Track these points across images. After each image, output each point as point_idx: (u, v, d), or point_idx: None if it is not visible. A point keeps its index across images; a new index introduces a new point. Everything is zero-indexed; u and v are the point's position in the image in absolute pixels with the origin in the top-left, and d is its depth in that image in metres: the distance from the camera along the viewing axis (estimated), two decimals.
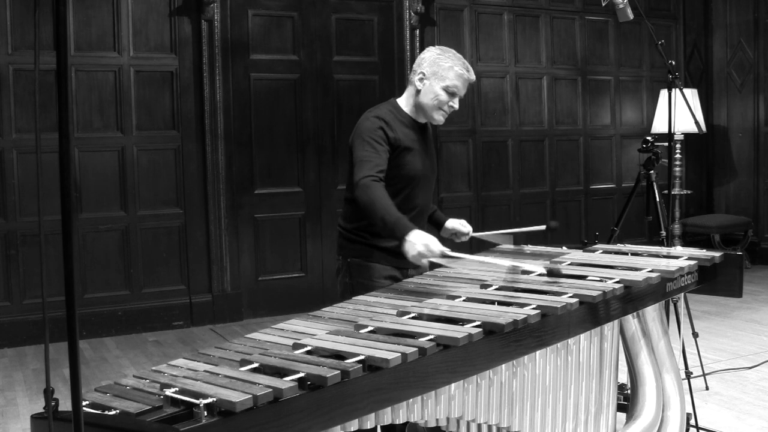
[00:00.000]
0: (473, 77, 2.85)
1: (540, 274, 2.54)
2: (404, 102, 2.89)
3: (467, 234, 3.08)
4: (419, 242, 2.54)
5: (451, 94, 2.81)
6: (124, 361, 4.96)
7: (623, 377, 2.83)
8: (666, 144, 3.85)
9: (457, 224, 3.09)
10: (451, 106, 2.83)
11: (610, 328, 2.46)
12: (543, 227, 3.12)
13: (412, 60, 6.42)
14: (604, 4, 4.01)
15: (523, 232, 3.15)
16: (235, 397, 1.54)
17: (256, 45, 6.00)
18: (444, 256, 2.59)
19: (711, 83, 8.00)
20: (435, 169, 3.00)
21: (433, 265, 2.86)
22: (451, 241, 3.16)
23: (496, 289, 2.41)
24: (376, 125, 2.77)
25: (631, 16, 3.77)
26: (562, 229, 7.25)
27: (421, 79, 2.81)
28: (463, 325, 2.02)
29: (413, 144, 2.83)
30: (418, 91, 2.82)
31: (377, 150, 2.72)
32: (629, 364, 2.77)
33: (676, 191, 6.84)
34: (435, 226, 3.14)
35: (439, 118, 2.85)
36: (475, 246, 3.25)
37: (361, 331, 2.03)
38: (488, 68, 6.90)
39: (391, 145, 2.76)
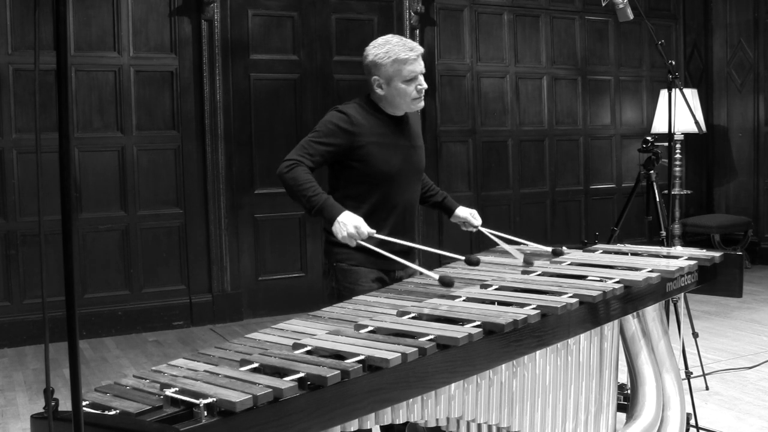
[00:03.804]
0: (419, 48, 2.76)
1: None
2: (376, 97, 2.80)
3: (476, 227, 3.06)
4: (350, 224, 2.58)
5: (413, 79, 2.73)
6: (124, 361, 4.96)
7: (623, 377, 2.83)
8: (666, 144, 3.85)
9: (468, 215, 3.07)
10: (420, 89, 2.75)
11: (610, 328, 2.46)
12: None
13: None
14: (604, 4, 4.01)
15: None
16: (235, 397, 1.54)
17: (256, 45, 6.00)
18: (372, 238, 2.60)
19: (711, 83, 8.00)
20: (420, 164, 2.91)
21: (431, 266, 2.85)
22: (457, 227, 3.17)
23: (496, 289, 2.41)
24: (333, 118, 2.74)
25: (631, 16, 3.77)
26: (563, 229, 7.26)
27: (380, 86, 2.74)
28: (463, 325, 2.02)
29: (384, 138, 2.76)
30: (384, 96, 2.76)
31: (320, 141, 2.71)
32: (629, 364, 2.77)
33: (676, 191, 6.84)
34: (445, 212, 3.11)
35: (417, 105, 2.80)
36: (475, 242, 3.26)
37: (361, 331, 2.03)
38: (488, 68, 6.90)
39: (347, 139, 2.70)
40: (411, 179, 2.86)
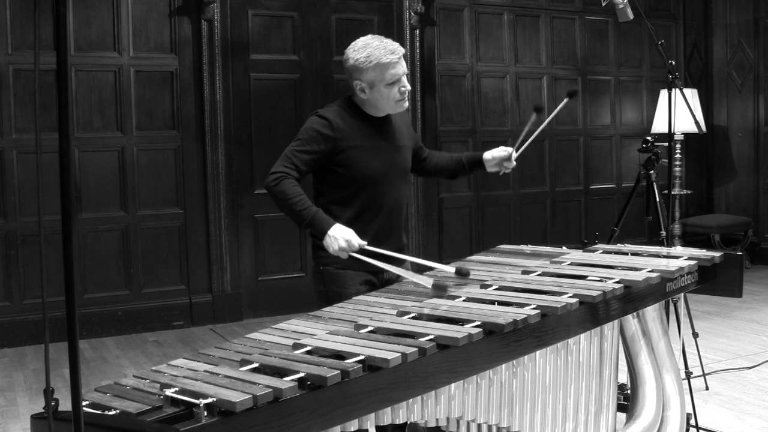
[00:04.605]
0: (401, 50, 2.70)
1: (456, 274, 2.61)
2: (359, 101, 2.76)
3: (511, 159, 2.99)
4: (341, 237, 2.56)
5: (396, 82, 2.68)
6: (124, 361, 4.96)
7: (623, 377, 2.83)
8: (666, 144, 3.84)
9: (498, 153, 2.98)
10: (403, 91, 2.71)
11: (610, 328, 2.46)
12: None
13: (413, 60, 6.43)
14: (604, 4, 4.01)
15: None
16: (235, 397, 1.54)
17: (256, 45, 6.00)
18: (363, 251, 2.59)
19: (711, 83, 8.00)
20: (405, 164, 2.86)
21: (429, 267, 2.84)
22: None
23: (496, 289, 2.41)
24: (314, 124, 2.71)
25: (631, 16, 3.77)
26: (563, 229, 7.26)
27: (362, 90, 2.70)
28: (463, 325, 2.02)
29: (365, 141, 2.73)
30: (367, 100, 2.72)
31: (303, 149, 2.69)
32: (629, 364, 2.77)
33: (676, 191, 6.83)
34: (478, 167, 3.02)
35: (401, 107, 2.76)
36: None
37: (361, 331, 2.03)
38: (488, 68, 6.90)
39: (329, 145, 2.68)
40: (395, 181, 2.81)
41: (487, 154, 3.01)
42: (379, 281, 2.77)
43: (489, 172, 3.06)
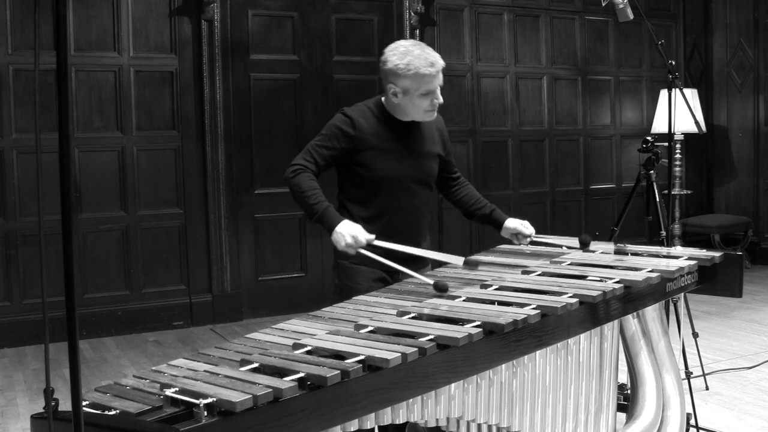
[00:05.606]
0: (440, 63, 2.70)
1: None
2: (390, 104, 2.77)
3: (529, 236, 3.00)
4: (348, 233, 2.58)
5: (429, 93, 2.69)
6: (124, 361, 4.96)
7: (623, 377, 2.83)
8: (666, 144, 3.84)
9: (519, 225, 3.00)
10: (435, 103, 2.72)
11: (610, 328, 2.46)
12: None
13: None
14: (604, 4, 4.01)
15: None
16: (235, 397, 1.54)
17: (256, 45, 6.00)
18: (371, 246, 2.59)
19: (711, 83, 8.00)
20: (426, 170, 2.85)
21: (434, 266, 2.85)
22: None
23: (496, 289, 2.41)
24: (337, 121, 2.74)
25: (631, 16, 3.76)
26: (563, 229, 7.25)
27: (395, 94, 2.69)
28: (463, 325, 2.02)
29: (385, 144, 2.73)
30: (398, 105, 2.72)
31: (323, 145, 2.72)
32: (629, 364, 2.77)
33: (676, 191, 6.83)
34: (494, 226, 3.04)
35: (429, 117, 2.77)
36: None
37: (361, 331, 2.03)
38: (488, 68, 6.90)
39: (349, 143, 2.70)
40: (414, 186, 2.80)
41: (510, 224, 3.01)
42: (393, 281, 2.76)
43: (502, 234, 3.07)
